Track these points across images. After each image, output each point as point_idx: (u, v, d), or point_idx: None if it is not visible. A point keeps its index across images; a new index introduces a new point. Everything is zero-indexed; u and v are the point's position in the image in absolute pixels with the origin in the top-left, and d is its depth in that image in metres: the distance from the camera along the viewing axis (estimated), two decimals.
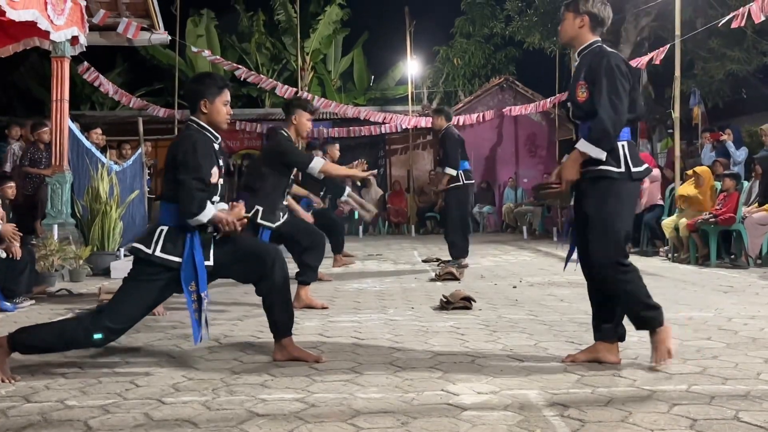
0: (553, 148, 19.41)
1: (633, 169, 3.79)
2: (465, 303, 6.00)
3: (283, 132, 6.28)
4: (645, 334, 4.38)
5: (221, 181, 4.01)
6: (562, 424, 2.91)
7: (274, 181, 6.12)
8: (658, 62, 11.79)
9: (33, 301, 6.77)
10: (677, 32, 11.10)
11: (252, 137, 19.85)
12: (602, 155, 3.73)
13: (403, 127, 18.91)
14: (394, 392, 3.43)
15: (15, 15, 7.77)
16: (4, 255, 6.68)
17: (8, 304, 6.46)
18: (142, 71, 24.05)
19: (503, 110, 18.58)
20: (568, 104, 3.98)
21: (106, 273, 9.01)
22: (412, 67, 19.84)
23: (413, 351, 4.38)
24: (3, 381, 3.68)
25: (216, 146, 4.01)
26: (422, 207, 19.13)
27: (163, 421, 3.06)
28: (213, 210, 3.84)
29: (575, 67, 4.08)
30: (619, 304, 3.95)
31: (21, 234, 6.80)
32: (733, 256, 9.53)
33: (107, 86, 14.97)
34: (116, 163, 11.53)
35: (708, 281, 7.75)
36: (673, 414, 3.01)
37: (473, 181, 9.66)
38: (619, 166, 3.77)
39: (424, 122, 18.42)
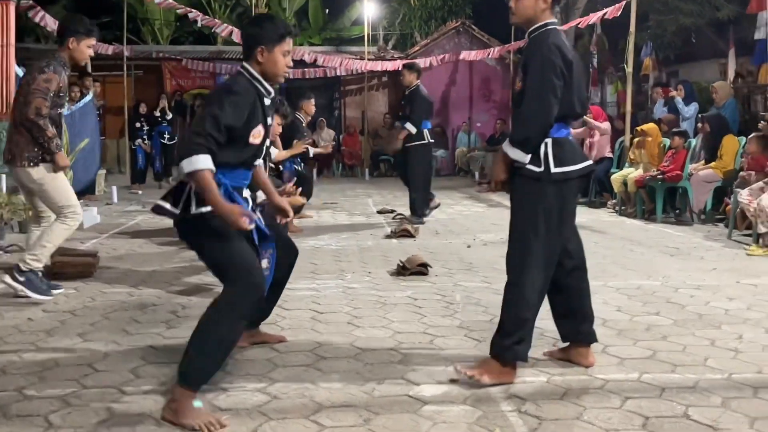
0: (507, 93, 19.35)
1: (553, 170, 3.47)
2: (421, 269, 6.07)
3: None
4: (607, 320, 4.52)
5: (267, 142, 3.51)
6: (520, 421, 3.01)
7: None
8: (611, 17, 11.82)
9: None
10: None
11: (205, 76, 19.42)
12: (525, 158, 3.47)
13: (360, 71, 18.73)
14: (356, 381, 3.49)
15: None
16: None
17: None
18: (87, 4, 23.20)
19: (460, 56, 18.45)
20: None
21: None
22: (368, 8, 19.52)
23: (372, 329, 4.44)
24: (212, 428, 3.00)
25: (267, 101, 3.46)
26: (376, 150, 19.10)
27: (124, 416, 3.08)
28: (203, 164, 3.06)
29: (525, 48, 3.74)
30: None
31: None
32: (678, 212, 9.78)
33: (53, 26, 14.38)
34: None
35: (654, 241, 7.95)
36: (626, 410, 3.13)
37: (434, 141, 9.75)
38: (538, 165, 3.48)
39: (380, 66, 18.27)
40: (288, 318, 4.68)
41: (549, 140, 3.50)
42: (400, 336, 4.28)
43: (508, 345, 3.46)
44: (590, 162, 3.69)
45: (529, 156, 3.48)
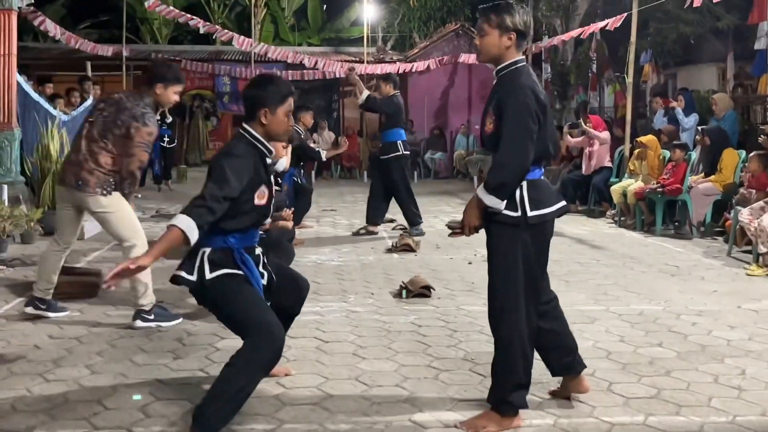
0: None
1: (530, 213, 3.40)
2: (423, 291, 6.10)
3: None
4: (611, 352, 4.57)
5: (272, 200, 3.57)
6: None
7: None
8: (612, 29, 11.86)
9: None
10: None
11: (204, 77, 19.44)
12: (500, 205, 3.38)
13: (359, 74, 18.72)
14: (363, 423, 3.52)
15: None
16: None
17: None
18: (86, 2, 23.20)
19: (459, 59, 18.46)
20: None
21: None
22: (368, 9, 19.51)
23: (377, 362, 4.46)
24: None
25: (269, 160, 3.55)
26: (375, 152, 19.09)
27: None
28: (181, 223, 3.18)
29: (492, 89, 3.58)
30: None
31: None
32: (677, 224, 9.83)
33: (54, 31, 14.45)
34: (65, 112, 11.21)
35: (654, 258, 7.98)
36: None
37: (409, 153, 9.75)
38: (515, 210, 3.40)
39: (380, 69, 18.25)
40: (293, 347, 4.71)
41: (525, 183, 3.42)
42: (405, 370, 4.31)
43: (505, 397, 3.45)
44: (564, 203, 3.61)
45: (505, 202, 3.40)
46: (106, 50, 16.60)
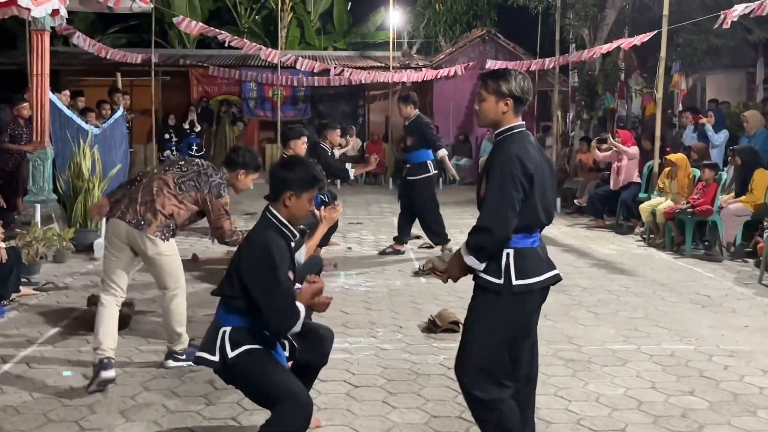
0: (532, 101, 19.33)
1: (515, 282, 3.39)
2: (452, 327, 6.10)
3: None
4: (642, 402, 4.54)
5: (295, 282, 3.65)
6: None
7: None
8: (639, 44, 11.77)
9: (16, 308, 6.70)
10: (665, 11, 11.06)
11: (230, 83, 19.56)
12: (479, 266, 3.42)
13: (384, 81, 18.80)
14: None
15: None
16: None
17: None
18: None
19: (485, 65, 18.41)
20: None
21: (89, 249, 9.02)
22: (394, 17, 19.50)
23: (408, 412, 4.48)
24: None
25: (293, 244, 3.66)
26: (400, 158, 19.09)
27: None
28: (302, 309, 3.47)
29: (490, 152, 3.63)
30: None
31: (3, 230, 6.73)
32: (707, 244, 9.75)
33: (83, 44, 14.64)
34: (96, 126, 11.33)
35: (684, 285, 7.91)
36: None
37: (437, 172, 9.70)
38: (498, 277, 3.40)
39: (406, 77, 18.29)
40: (323, 393, 4.73)
41: (511, 251, 3.41)
42: (436, 422, 4.33)
43: None
44: (555, 272, 3.55)
45: (483, 264, 3.42)
46: (136, 58, 16.76)
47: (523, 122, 3.58)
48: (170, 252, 5.10)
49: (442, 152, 9.35)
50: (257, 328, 3.49)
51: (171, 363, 5.22)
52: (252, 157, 5.28)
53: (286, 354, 3.65)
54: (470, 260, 3.42)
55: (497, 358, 3.44)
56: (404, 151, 9.69)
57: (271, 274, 3.38)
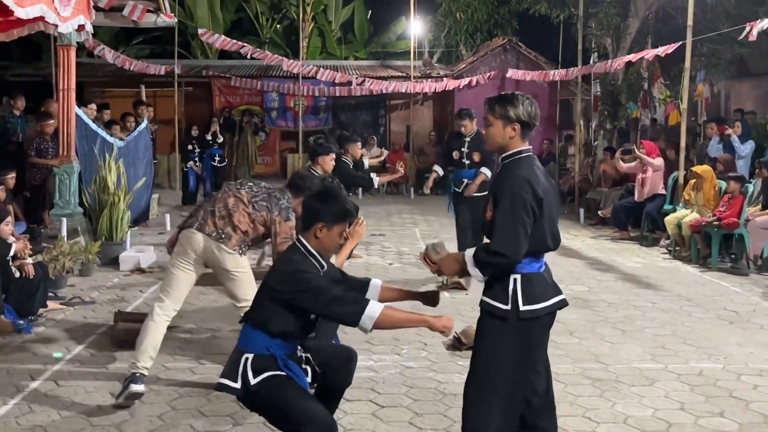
0: (554, 109, 19.26)
1: (522, 308, 3.38)
2: None
3: None
4: (672, 424, 4.49)
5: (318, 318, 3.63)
6: None
7: None
8: (663, 55, 11.70)
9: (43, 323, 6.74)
10: (689, 22, 10.99)
11: (252, 93, 19.66)
12: (479, 276, 3.45)
13: (405, 91, 18.82)
14: None
15: (23, 13, 7.46)
16: (18, 274, 6.72)
17: (21, 322, 6.49)
18: None
19: (507, 74, 18.39)
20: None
21: (114, 263, 9.09)
22: (415, 26, 19.52)
23: None
24: None
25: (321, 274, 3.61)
26: (421, 168, 19.09)
27: None
28: (377, 309, 3.45)
29: (495, 177, 3.67)
30: None
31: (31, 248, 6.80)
32: (733, 256, 9.66)
33: (108, 56, 14.83)
34: (121, 139, 11.42)
35: (711, 300, 7.84)
36: None
37: None
38: (505, 303, 3.40)
39: (428, 88, 18.30)
40: (349, 413, 4.73)
41: (518, 276, 3.41)
42: None
43: None
44: (562, 297, 3.54)
45: (484, 279, 3.46)
46: (159, 69, 16.92)
47: (530, 147, 3.59)
48: (246, 266, 5.17)
49: (484, 170, 9.01)
50: (280, 355, 3.50)
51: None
52: (317, 183, 5.28)
53: (309, 379, 3.65)
54: (474, 272, 3.45)
55: (502, 385, 3.44)
56: (470, 167, 9.22)
57: (313, 288, 3.41)
